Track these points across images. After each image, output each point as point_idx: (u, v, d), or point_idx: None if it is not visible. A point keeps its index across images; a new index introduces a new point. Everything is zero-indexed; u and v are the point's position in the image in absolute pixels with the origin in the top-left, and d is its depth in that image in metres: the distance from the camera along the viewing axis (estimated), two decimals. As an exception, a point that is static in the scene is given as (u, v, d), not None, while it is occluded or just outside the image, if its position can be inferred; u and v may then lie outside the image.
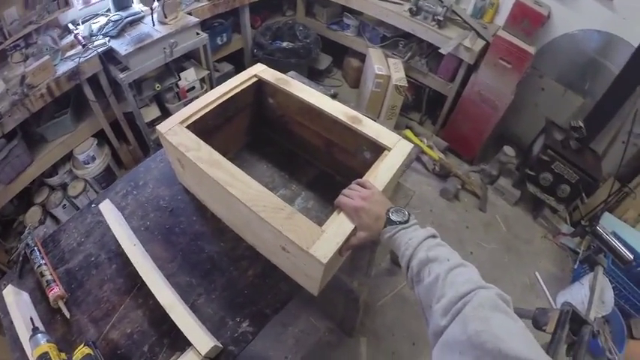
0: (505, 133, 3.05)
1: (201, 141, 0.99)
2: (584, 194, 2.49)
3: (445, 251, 0.73)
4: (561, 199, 2.55)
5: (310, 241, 0.80)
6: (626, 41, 2.31)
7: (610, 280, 2.02)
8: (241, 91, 1.17)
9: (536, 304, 1.18)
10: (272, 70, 1.24)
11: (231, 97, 1.15)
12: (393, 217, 0.82)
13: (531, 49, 2.36)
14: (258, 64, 1.27)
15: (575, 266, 2.46)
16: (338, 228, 0.83)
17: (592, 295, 1.41)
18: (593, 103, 2.44)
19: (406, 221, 0.82)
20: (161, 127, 1.03)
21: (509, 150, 2.75)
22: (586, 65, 2.54)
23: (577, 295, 1.92)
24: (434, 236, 0.78)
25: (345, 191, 0.92)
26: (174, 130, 1.02)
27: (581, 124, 2.32)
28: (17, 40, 1.91)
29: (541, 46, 2.60)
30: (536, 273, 2.39)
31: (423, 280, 0.70)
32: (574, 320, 1.14)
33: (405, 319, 2.07)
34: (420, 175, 2.86)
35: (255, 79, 1.21)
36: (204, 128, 1.10)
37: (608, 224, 2.38)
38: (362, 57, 3.12)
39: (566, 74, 2.65)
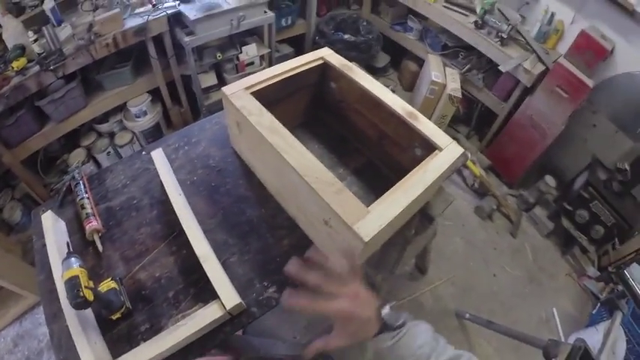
0: (548, 163, 2.96)
1: (264, 108, 1.02)
2: (617, 239, 2.42)
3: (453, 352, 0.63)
4: (593, 240, 2.48)
5: (355, 218, 0.81)
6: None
7: (625, 333, 1.96)
8: (306, 70, 1.20)
9: (548, 341, 1.17)
10: (338, 55, 1.26)
11: (296, 74, 1.18)
12: (390, 321, 0.63)
13: (590, 82, 2.29)
14: (325, 47, 1.29)
15: (594, 311, 2.37)
16: (384, 211, 0.84)
17: (606, 340, 1.37)
18: (643, 150, 2.34)
19: (403, 323, 0.63)
20: (226, 89, 1.07)
21: (550, 180, 2.68)
22: (643, 109, 2.44)
23: (590, 339, 1.84)
24: (435, 339, 0.64)
25: (310, 280, 0.59)
26: (239, 95, 1.06)
27: (627, 167, 2.25)
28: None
29: (600, 80, 2.52)
30: (554, 309, 2.34)
31: None
32: (584, 359, 1.12)
33: (417, 326, 2.05)
34: (458, 189, 2.83)
35: (321, 62, 1.24)
36: (266, 99, 1.13)
37: (637, 275, 2.30)
38: (420, 62, 3.11)
39: (621, 114, 2.54)
